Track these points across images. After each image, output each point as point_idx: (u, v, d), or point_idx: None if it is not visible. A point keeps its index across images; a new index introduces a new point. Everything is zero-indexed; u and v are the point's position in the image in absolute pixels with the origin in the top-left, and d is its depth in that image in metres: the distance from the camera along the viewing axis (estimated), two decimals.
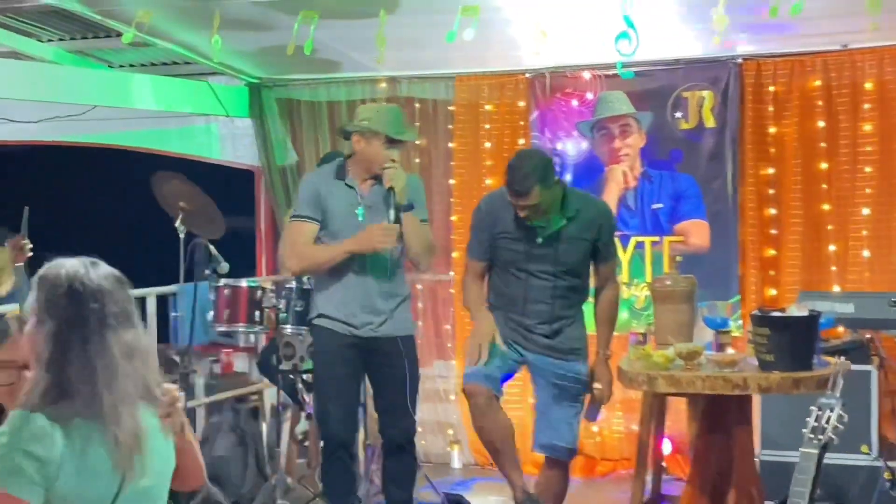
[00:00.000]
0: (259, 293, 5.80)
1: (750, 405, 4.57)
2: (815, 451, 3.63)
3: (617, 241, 6.80)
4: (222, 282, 5.79)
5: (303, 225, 4.79)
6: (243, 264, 7.11)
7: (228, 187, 7.58)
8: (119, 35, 6.65)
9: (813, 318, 4.25)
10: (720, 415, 4.48)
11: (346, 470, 4.86)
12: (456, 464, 7.18)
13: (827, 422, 3.64)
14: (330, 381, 4.82)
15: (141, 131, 7.97)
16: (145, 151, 7.99)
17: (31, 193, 5.90)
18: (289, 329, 5.70)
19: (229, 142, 7.90)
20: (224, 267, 5.80)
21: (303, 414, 6.35)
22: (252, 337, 7.17)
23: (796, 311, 4.34)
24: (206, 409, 6.55)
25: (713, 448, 4.53)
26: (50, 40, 7.14)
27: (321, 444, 5.02)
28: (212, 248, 5.77)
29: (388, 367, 4.78)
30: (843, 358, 3.90)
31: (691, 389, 4.23)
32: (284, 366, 5.76)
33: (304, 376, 5.86)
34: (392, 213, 4.63)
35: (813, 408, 3.70)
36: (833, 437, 3.68)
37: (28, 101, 6.90)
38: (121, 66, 7.61)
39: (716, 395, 4.30)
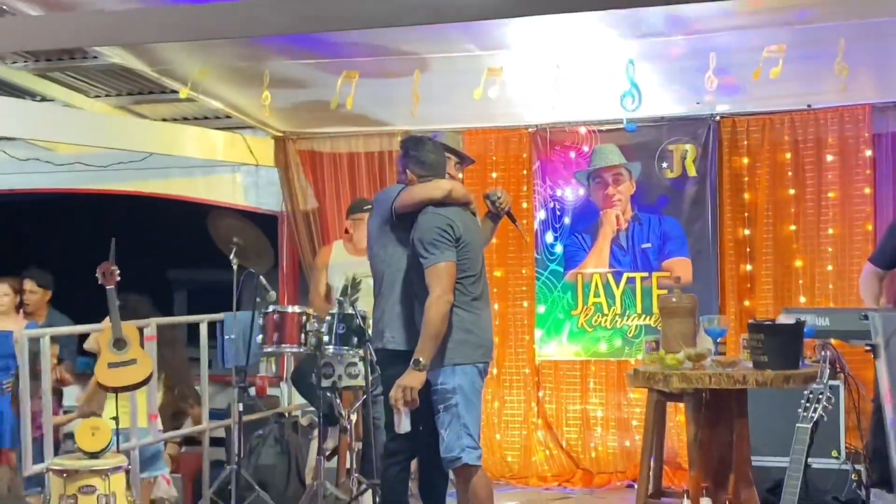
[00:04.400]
0: (304, 318, 6.43)
1: (746, 401, 5.37)
2: (808, 426, 4.43)
3: (610, 276, 7.69)
4: (271, 308, 6.41)
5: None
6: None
7: None
8: (162, 91, 7.43)
9: (800, 324, 5.08)
10: (722, 409, 5.29)
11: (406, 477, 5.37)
12: None
13: (817, 402, 4.46)
14: None
15: (169, 180, 8.60)
16: (175, 198, 8.63)
17: (91, 239, 6.53)
18: (331, 349, 6.25)
19: (252, 190, 8.54)
20: (272, 296, 6.49)
21: (331, 429, 6.94)
22: (274, 367, 7.81)
23: (784, 319, 5.17)
24: (244, 427, 7.18)
25: (715, 438, 5.32)
26: (97, 96, 7.84)
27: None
28: (262, 278, 6.48)
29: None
30: (830, 342, 4.69)
31: (700, 385, 5.03)
32: (324, 383, 6.35)
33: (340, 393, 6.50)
34: None
35: (806, 391, 4.53)
36: (823, 414, 4.46)
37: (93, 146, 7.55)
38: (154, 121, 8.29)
39: (718, 391, 5.10)
